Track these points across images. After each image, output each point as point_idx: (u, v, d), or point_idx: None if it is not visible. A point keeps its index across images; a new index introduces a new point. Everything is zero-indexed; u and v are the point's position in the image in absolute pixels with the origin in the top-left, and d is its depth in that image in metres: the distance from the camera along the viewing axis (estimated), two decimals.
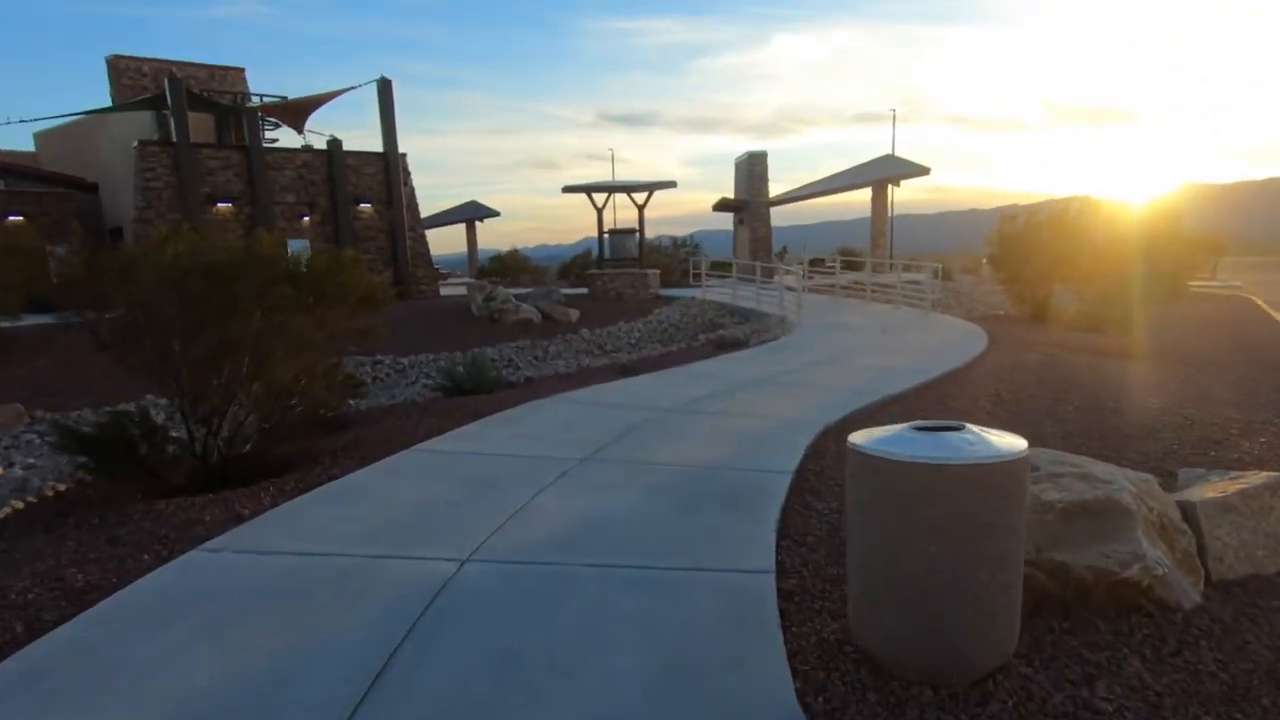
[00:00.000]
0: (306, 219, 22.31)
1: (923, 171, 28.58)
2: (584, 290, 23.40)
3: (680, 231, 34.71)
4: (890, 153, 32.84)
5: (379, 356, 15.53)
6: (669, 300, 21.38)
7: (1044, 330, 13.79)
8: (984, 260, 20.99)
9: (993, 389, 7.89)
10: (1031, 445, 2.63)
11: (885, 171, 29.61)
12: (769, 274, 20.15)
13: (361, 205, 22.71)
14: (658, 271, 23.14)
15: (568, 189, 22.86)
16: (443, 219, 48.04)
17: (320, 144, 23.23)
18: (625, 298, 21.94)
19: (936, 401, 7.37)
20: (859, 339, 12.45)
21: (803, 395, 7.55)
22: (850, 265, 23.19)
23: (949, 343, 11.64)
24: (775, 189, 31.73)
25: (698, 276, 22.27)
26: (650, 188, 22.61)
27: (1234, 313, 17.84)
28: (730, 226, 31.90)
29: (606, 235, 23.37)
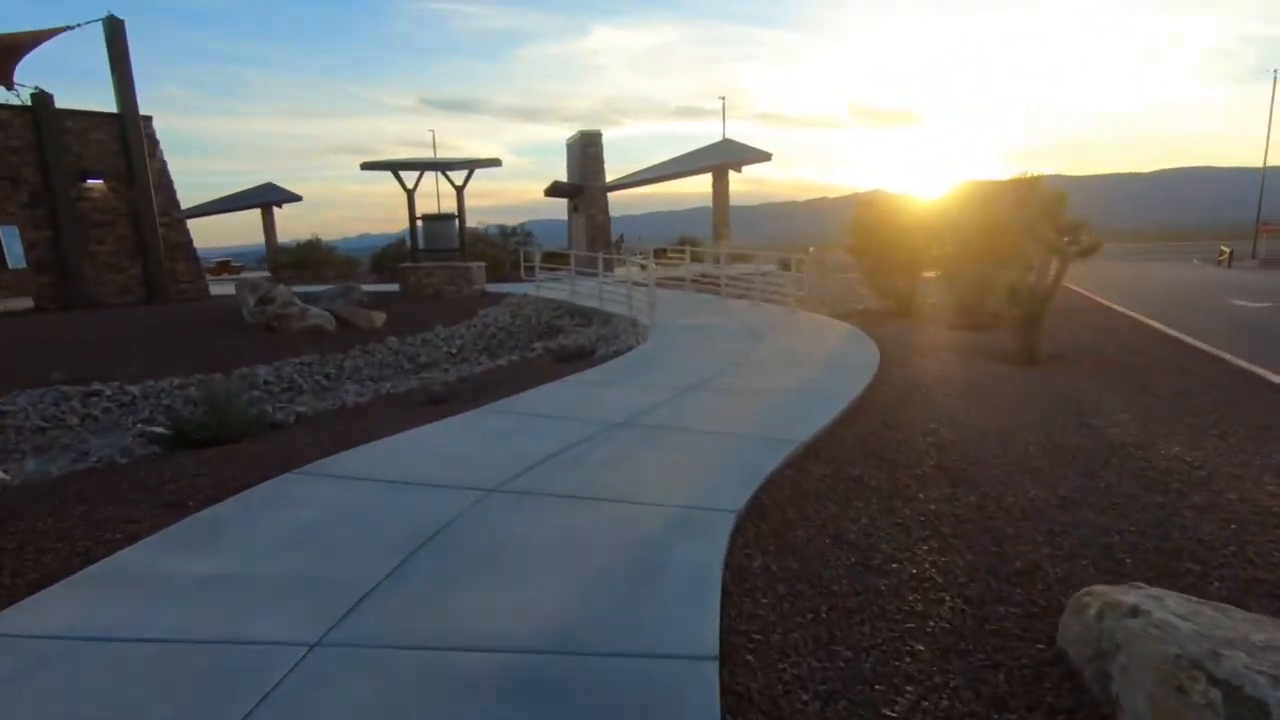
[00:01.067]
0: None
1: (764, 157, 27.43)
2: (396, 287, 19.77)
3: (510, 222, 31.77)
4: (727, 138, 31.60)
5: (96, 385, 11.38)
6: (497, 298, 18.35)
7: (922, 329, 12.35)
8: (834, 250, 19.81)
9: (924, 422, 5.83)
10: None
11: (727, 156, 28.17)
12: (611, 266, 17.67)
13: (89, 182, 17.56)
14: (483, 265, 20.02)
15: (368, 165, 19.05)
16: (232, 203, 41.62)
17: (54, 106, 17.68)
18: (445, 295, 18.64)
19: (863, 449, 5.16)
20: (730, 347, 10.25)
21: (687, 449, 5.05)
22: (696, 256, 21.36)
23: (835, 351, 9.70)
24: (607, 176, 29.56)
25: (530, 269, 19.43)
26: (470, 165, 19.35)
27: (1065, 301, 17.78)
28: (566, 215, 29.25)
29: (420, 221, 19.84)
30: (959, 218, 13.98)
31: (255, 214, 40.72)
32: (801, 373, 8.05)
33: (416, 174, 19.49)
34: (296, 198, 40.98)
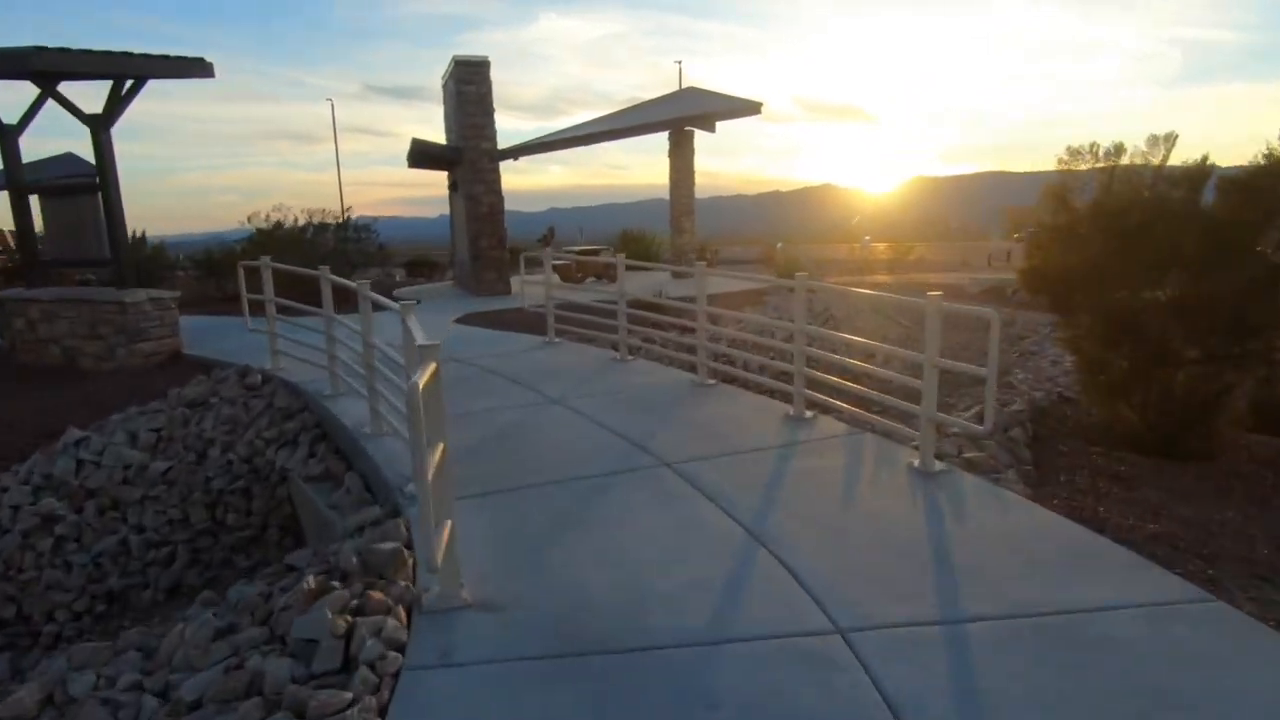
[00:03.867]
0: None
1: (751, 108, 17.51)
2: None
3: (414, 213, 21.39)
4: (690, 86, 21.48)
5: None
6: (193, 371, 8.03)
7: None
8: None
9: None
10: None
11: (690, 108, 18.12)
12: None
13: None
14: (176, 295, 9.35)
15: None
16: None
17: None
18: (81, 364, 8.21)
19: None
20: None
21: None
22: (639, 267, 11.10)
23: None
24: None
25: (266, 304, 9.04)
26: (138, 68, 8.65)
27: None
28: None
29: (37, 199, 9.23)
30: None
31: None
32: None
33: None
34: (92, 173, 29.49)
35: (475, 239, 16.50)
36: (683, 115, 17.97)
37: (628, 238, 25.63)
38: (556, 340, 9.21)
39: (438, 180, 19.62)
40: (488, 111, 16.40)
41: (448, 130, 18.12)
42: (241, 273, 7.92)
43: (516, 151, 18.73)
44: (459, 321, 11.59)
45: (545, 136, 20.17)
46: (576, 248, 21.91)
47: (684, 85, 23.20)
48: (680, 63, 40.89)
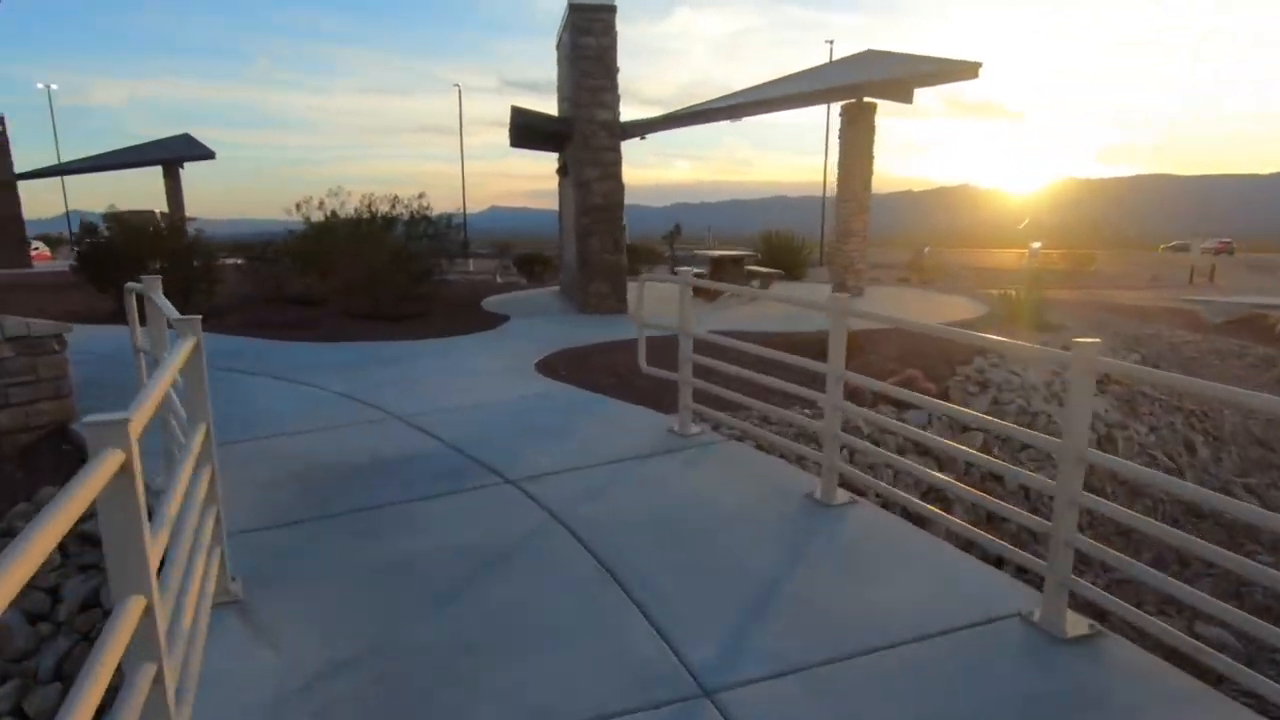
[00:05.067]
0: None
1: (970, 71, 12.66)
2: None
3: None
4: (871, 49, 16.72)
5: None
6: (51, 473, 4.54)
7: None
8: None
9: None
10: None
11: (886, 71, 13.47)
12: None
13: None
14: (58, 330, 6.03)
15: None
16: (118, 159, 29.39)
17: None
18: None
19: None
20: None
21: None
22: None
23: None
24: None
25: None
26: None
27: None
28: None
29: None
30: None
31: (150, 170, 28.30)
32: None
33: None
34: (209, 154, 28.32)
35: (585, 237, 12.65)
36: (869, 80, 13.32)
37: (773, 243, 21.10)
38: (695, 433, 5.12)
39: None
40: (609, 71, 12.46)
41: (560, 100, 14.40)
42: (134, 297, 4.33)
43: (644, 128, 14.72)
44: (542, 368, 7.70)
45: (688, 108, 16.08)
46: (714, 252, 17.71)
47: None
48: (831, 43, 35.81)
